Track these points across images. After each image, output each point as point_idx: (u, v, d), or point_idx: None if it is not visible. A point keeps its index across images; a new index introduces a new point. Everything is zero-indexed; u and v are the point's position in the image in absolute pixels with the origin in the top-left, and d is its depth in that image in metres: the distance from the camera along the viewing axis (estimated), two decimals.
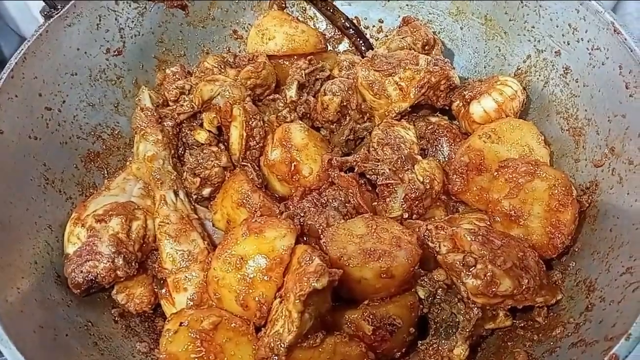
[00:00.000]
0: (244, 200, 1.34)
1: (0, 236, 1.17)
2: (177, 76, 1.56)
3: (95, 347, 1.19)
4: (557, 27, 1.41)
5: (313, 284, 1.10)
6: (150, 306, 1.32)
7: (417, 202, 1.35)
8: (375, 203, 1.39)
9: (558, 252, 1.25)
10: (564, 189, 1.23)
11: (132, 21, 1.56)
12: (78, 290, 1.23)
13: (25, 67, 1.33)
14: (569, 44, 1.40)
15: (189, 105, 1.44)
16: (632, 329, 0.92)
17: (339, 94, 1.48)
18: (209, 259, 1.27)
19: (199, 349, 1.15)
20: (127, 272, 1.25)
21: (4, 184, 1.24)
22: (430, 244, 1.25)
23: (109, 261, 1.23)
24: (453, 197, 1.42)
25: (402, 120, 1.49)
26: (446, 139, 1.50)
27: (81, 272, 1.22)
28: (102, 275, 1.22)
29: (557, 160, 1.42)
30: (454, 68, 1.46)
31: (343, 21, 1.71)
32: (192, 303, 1.26)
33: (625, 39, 1.26)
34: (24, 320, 1.07)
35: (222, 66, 1.52)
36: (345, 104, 1.49)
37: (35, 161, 1.33)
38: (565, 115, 1.42)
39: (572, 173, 1.37)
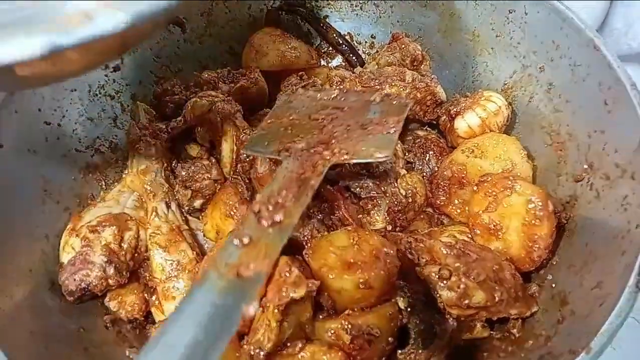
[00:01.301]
0: (232, 212, 1.39)
1: None
2: (174, 90, 1.62)
3: (86, 353, 1.23)
4: (542, 43, 1.44)
5: (291, 294, 1.15)
6: (141, 313, 1.37)
7: (400, 214, 1.39)
8: (360, 216, 1.43)
9: (536, 265, 1.27)
10: (540, 203, 1.26)
11: None
12: (71, 298, 1.29)
13: None
14: (552, 60, 1.42)
15: (182, 120, 1.49)
16: (592, 342, 0.94)
17: None
18: (197, 268, 1.32)
19: None
20: (118, 280, 1.30)
21: (3, 197, 1.29)
22: (409, 255, 1.29)
23: (100, 270, 1.28)
24: (437, 210, 1.46)
25: None
26: (433, 152, 1.53)
27: (74, 280, 1.27)
28: (94, 283, 1.28)
29: (539, 174, 1.44)
30: (439, 84, 1.50)
31: (336, 37, 1.75)
32: None
33: (605, 56, 1.28)
34: (15, 327, 1.12)
35: (216, 81, 1.58)
36: None
37: (34, 174, 1.39)
38: (549, 130, 1.44)
39: (554, 187, 1.39)
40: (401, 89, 1.46)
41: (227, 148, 1.46)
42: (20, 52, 0.63)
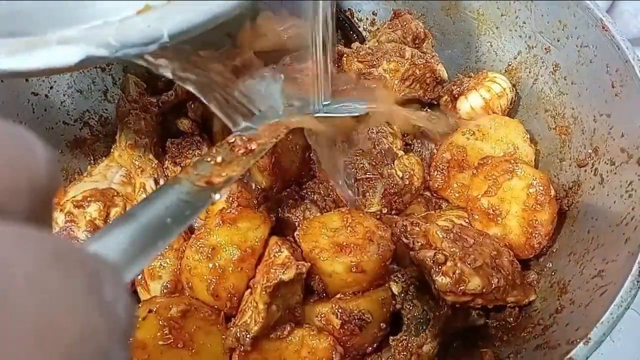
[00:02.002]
0: None
1: None
2: None
3: None
4: (548, 23, 1.38)
5: (280, 276, 1.11)
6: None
7: (396, 197, 1.34)
8: (356, 197, 1.38)
9: (535, 252, 1.23)
10: (542, 188, 1.21)
11: None
12: None
13: None
14: (558, 40, 1.37)
15: (173, 94, 1.44)
16: (591, 333, 0.90)
17: None
18: (184, 247, 1.28)
19: (167, 336, 1.16)
20: None
21: None
22: (404, 239, 1.25)
23: None
24: (434, 194, 1.41)
25: None
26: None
27: None
28: None
29: (543, 159, 1.40)
30: (440, 62, 1.45)
31: (335, 12, 1.69)
32: (166, 291, 1.27)
33: (613, 37, 1.23)
34: None
35: None
36: None
37: None
38: (553, 113, 1.39)
39: (557, 172, 1.35)
40: (399, 65, 1.40)
41: (219, 124, 1.41)
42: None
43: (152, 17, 0.80)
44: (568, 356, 0.89)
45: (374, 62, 1.42)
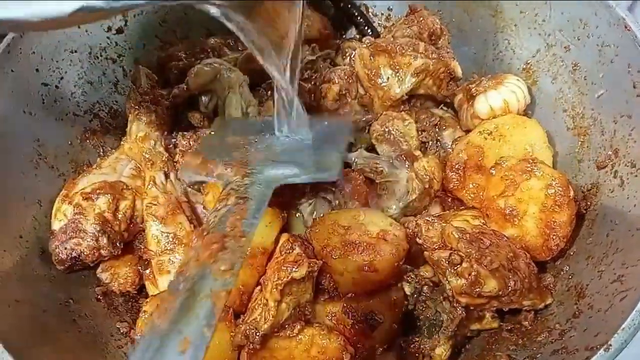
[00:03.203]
0: None
1: None
2: (178, 56, 1.55)
3: (74, 325, 1.18)
4: (568, 21, 1.35)
5: (291, 274, 1.09)
6: (134, 287, 1.31)
7: (415, 201, 1.32)
8: (375, 201, 1.36)
9: (552, 254, 1.20)
10: (561, 188, 1.19)
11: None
12: (62, 267, 1.23)
13: (23, 42, 1.32)
14: (579, 39, 1.34)
15: (185, 88, 1.42)
16: (612, 339, 0.87)
17: (337, 82, 1.45)
18: (192, 242, 1.26)
19: None
20: (111, 251, 1.24)
21: None
22: (418, 239, 1.22)
23: (92, 240, 1.22)
24: (449, 194, 1.38)
25: (403, 112, 1.45)
26: (448, 132, 1.46)
27: (65, 249, 1.21)
28: (85, 253, 1.22)
29: (560, 160, 1.37)
30: (455, 59, 1.42)
31: (350, 9, 1.67)
32: None
33: (636, 36, 1.20)
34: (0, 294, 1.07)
35: (222, 48, 1.50)
36: (344, 92, 1.46)
37: (29, 136, 1.33)
38: (572, 113, 1.36)
39: (575, 174, 1.32)
40: (412, 59, 1.38)
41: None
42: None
43: None
44: None
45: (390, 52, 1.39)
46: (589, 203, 1.25)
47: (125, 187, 1.32)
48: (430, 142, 1.46)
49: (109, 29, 1.52)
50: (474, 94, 1.42)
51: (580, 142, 1.33)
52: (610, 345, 0.87)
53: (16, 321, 1.06)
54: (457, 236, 1.13)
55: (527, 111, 1.44)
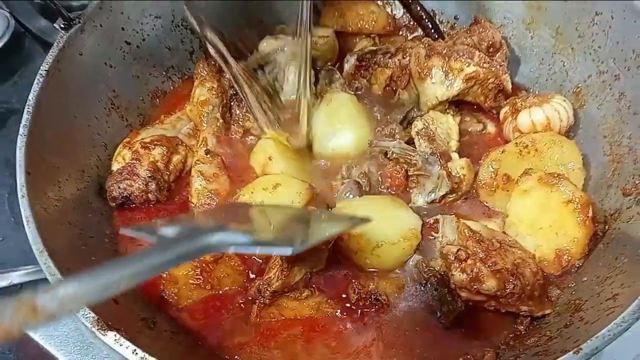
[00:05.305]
0: None
1: (57, 141, 1.31)
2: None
3: (114, 255, 1.32)
4: (622, 51, 1.37)
5: None
6: None
7: (442, 198, 1.39)
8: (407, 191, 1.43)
9: (563, 270, 1.24)
10: (580, 207, 1.22)
11: None
12: (113, 203, 1.39)
13: (113, 1, 1.48)
14: (629, 69, 1.36)
15: (251, 60, 1.54)
16: (584, 344, 0.92)
17: (391, 67, 1.56)
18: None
19: (198, 276, 1.27)
20: (157, 196, 1.39)
21: (74, 99, 1.40)
22: (434, 232, 1.30)
23: (143, 183, 1.37)
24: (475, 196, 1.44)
25: (449, 114, 1.52)
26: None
27: (118, 187, 1.37)
28: (135, 194, 1.37)
29: (592, 184, 1.39)
30: (507, 72, 1.47)
31: (419, 10, 1.73)
32: None
33: None
34: (55, 213, 1.22)
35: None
36: (395, 79, 1.56)
37: (106, 86, 1.50)
38: (611, 140, 1.38)
39: (602, 198, 1.34)
40: (465, 65, 1.44)
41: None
42: None
43: None
44: None
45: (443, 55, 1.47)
46: (607, 227, 1.27)
47: (180, 143, 1.47)
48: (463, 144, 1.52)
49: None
50: (519, 108, 1.47)
51: (613, 169, 1.35)
52: (581, 349, 0.91)
53: (66, 239, 1.20)
54: (467, 234, 1.19)
55: (570, 133, 1.47)
